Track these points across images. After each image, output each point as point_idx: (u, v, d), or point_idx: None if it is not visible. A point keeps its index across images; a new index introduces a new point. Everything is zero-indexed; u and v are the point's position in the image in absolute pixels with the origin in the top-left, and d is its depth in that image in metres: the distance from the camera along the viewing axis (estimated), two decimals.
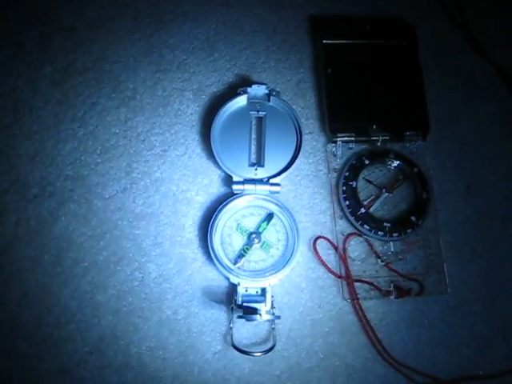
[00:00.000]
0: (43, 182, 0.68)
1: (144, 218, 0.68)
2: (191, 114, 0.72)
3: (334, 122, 0.70)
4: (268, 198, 0.67)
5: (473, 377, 0.66)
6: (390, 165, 0.70)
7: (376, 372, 0.65)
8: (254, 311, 0.61)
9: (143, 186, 0.69)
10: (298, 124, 0.69)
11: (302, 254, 0.68)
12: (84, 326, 0.65)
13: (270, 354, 0.63)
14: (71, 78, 0.72)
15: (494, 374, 0.66)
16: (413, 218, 0.68)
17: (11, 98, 0.71)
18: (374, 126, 0.71)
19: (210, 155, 0.69)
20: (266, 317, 0.61)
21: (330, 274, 0.67)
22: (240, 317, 0.61)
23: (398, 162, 0.70)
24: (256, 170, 0.68)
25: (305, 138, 0.70)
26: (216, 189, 0.69)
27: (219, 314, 0.66)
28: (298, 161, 0.68)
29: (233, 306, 0.64)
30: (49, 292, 0.65)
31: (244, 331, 0.65)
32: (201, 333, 0.65)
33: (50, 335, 0.64)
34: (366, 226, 0.67)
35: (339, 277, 0.67)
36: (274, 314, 0.63)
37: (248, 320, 0.62)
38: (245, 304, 0.63)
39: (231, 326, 0.64)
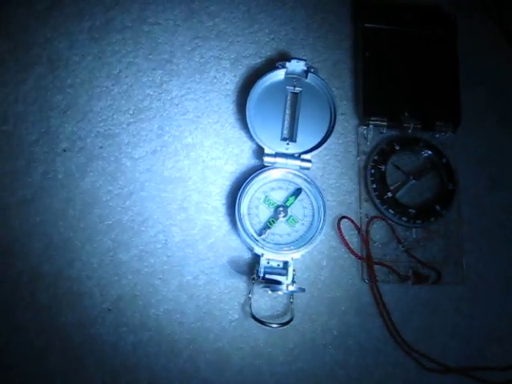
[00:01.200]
0: (73, 136, 0.68)
1: (172, 182, 0.68)
2: (227, 83, 0.72)
3: (368, 105, 0.71)
4: (298, 174, 0.67)
5: (482, 367, 0.67)
6: (420, 153, 0.71)
7: (387, 354, 0.66)
8: (277, 283, 0.62)
9: (173, 149, 0.69)
10: (334, 103, 0.69)
11: (326, 232, 0.68)
12: (104, 282, 0.65)
13: (285, 327, 0.64)
14: (109, 35, 0.71)
15: (503, 367, 0.67)
16: (437, 207, 0.69)
17: (47, 49, 0.70)
18: (406, 113, 0.71)
19: (243, 126, 0.69)
20: (290, 288, 0.62)
21: (351, 255, 0.68)
22: (265, 286, 0.62)
23: (427, 151, 0.71)
24: (288, 144, 0.68)
25: (337, 118, 0.70)
26: (246, 160, 0.70)
27: (239, 283, 0.66)
28: (329, 140, 0.69)
29: (254, 276, 0.64)
30: (71, 246, 0.65)
31: (262, 303, 0.66)
32: (219, 300, 0.65)
33: (70, 289, 0.64)
34: (390, 210, 0.68)
35: (360, 258, 0.68)
36: (298, 286, 0.63)
37: (273, 290, 0.62)
38: (267, 276, 0.63)
39: (250, 296, 0.64)
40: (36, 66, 0.70)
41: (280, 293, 0.63)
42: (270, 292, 0.64)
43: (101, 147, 0.68)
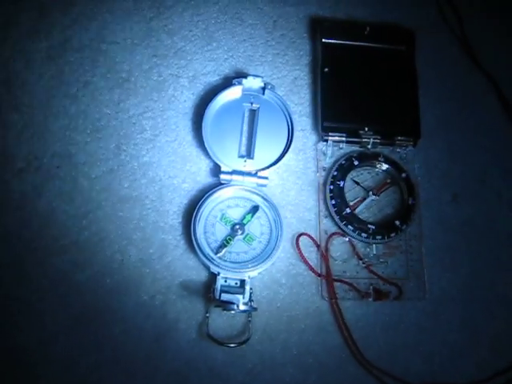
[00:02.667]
0: (30, 156, 0.68)
1: (128, 201, 0.68)
2: (185, 101, 0.72)
3: (326, 121, 0.71)
4: (255, 191, 0.67)
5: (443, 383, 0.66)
6: (379, 168, 0.71)
7: (348, 372, 0.65)
8: (231, 304, 0.61)
9: (130, 168, 0.69)
10: (291, 120, 0.69)
11: (284, 249, 0.67)
12: (60, 303, 0.64)
13: (244, 346, 0.63)
14: (67, 54, 0.71)
15: (465, 383, 0.66)
16: (397, 223, 0.68)
17: (4, 69, 0.70)
18: (366, 129, 0.71)
19: (200, 144, 0.69)
20: (242, 307, 0.61)
21: (311, 272, 0.67)
22: (217, 306, 0.61)
23: (386, 166, 0.70)
24: (245, 161, 0.68)
25: (296, 134, 0.70)
26: (203, 178, 0.69)
27: (196, 302, 0.65)
28: (287, 156, 0.69)
29: (210, 295, 0.63)
30: (26, 267, 0.64)
31: (220, 322, 0.65)
32: (177, 320, 0.65)
33: (25, 310, 0.63)
34: (350, 226, 0.68)
35: (319, 275, 0.67)
36: (251, 305, 0.62)
37: (225, 310, 0.61)
38: (222, 298, 0.62)
39: (207, 315, 0.64)
40: None
41: (233, 312, 0.62)
42: (224, 311, 0.63)
43: (57, 167, 0.68)
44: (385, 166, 0.70)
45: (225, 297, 0.62)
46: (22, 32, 0.72)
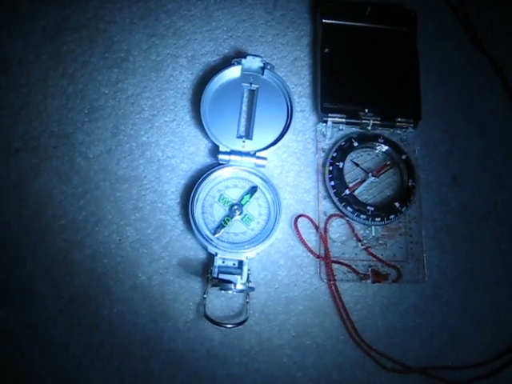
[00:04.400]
0: (27, 136, 0.67)
1: (126, 181, 0.67)
2: (183, 81, 0.71)
3: (326, 101, 0.70)
4: (253, 171, 0.66)
5: (442, 367, 0.66)
6: (379, 149, 0.70)
7: (346, 354, 0.65)
8: (229, 283, 0.61)
9: (128, 148, 0.68)
10: (290, 100, 0.69)
11: (283, 230, 0.67)
12: (56, 283, 0.64)
13: (241, 327, 0.63)
14: (64, 34, 0.71)
15: (464, 366, 0.66)
16: (396, 205, 0.68)
17: (0, 49, 0.69)
18: (366, 110, 0.70)
19: (199, 124, 0.68)
20: (240, 287, 0.60)
21: (309, 253, 0.67)
22: (214, 285, 0.61)
23: (386, 148, 0.70)
24: (244, 142, 0.67)
25: (296, 115, 0.69)
26: (202, 158, 0.69)
27: (194, 283, 0.65)
28: (286, 137, 0.68)
29: (208, 276, 0.63)
30: (23, 247, 0.64)
31: (218, 303, 0.65)
32: (174, 301, 0.64)
33: (21, 290, 0.63)
34: (349, 207, 0.67)
35: (318, 257, 0.67)
36: (248, 285, 0.62)
37: (222, 289, 0.61)
38: (220, 276, 0.62)
39: (205, 296, 0.63)
40: None
41: (230, 292, 0.61)
42: (222, 292, 0.63)
43: (55, 147, 0.67)
44: (385, 148, 0.70)
45: (223, 278, 0.61)
46: (20, 12, 0.71)
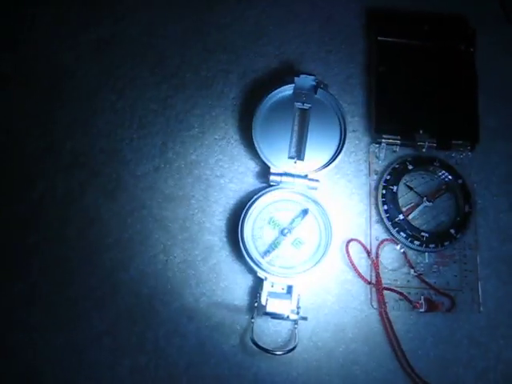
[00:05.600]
0: (75, 151, 0.67)
1: (174, 200, 0.66)
2: (233, 97, 0.70)
3: (380, 122, 0.68)
4: (305, 194, 0.64)
5: None
6: (434, 173, 0.68)
7: None
8: (279, 317, 0.59)
9: (176, 167, 0.67)
10: (344, 120, 0.67)
11: (334, 255, 0.65)
12: (102, 303, 0.63)
13: (289, 354, 0.61)
14: (115, 48, 0.70)
15: None
16: (452, 231, 0.65)
17: (52, 63, 0.69)
18: (421, 131, 0.68)
19: (249, 143, 0.67)
20: (292, 316, 0.59)
21: (360, 279, 0.65)
22: (265, 314, 0.59)
23: (442, 171, 0.67)
24: (295, 163, 0.66)
25: (348, 135, 0.67)
26: (251, 178, 0.67)
27: (242, 307, 0.63)
28: (339, 158, 0.66)
29: (256, 301, 0.61)
30: (69, 265, 0.64)
31: (265, 328, 0.63)
32: (221, 324, 0.63)
33: (67, 310, 0.62)
34: (402, 233, 0.65)
35: (369, 283, 0.64)
36: (299, 313, 0.60)
37: (274, 318, 0.59)
38: (268, 310, 0.60)
39: (253, 320, 0.62)
40: (40, 80, 0.68)
41: (279, 321, 0.60)
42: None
43: (103, 163, 0.66)
44: (440, 171, 0.67)
45: (271, 307, 0.59)
46: (72, 25, 0.70)
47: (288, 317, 0.58)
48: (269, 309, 0.59)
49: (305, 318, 0.60)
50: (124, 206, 0.65)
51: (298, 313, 0.60)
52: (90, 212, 0.65)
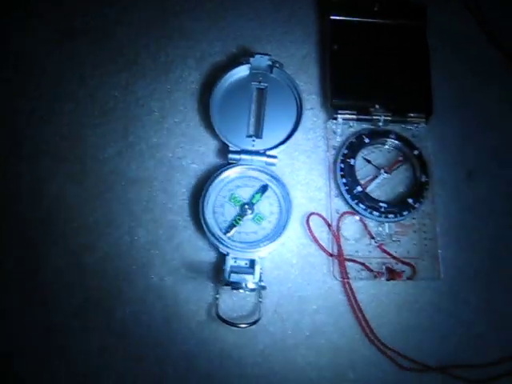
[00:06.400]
0: (38, 139, 0.68)
1: (137, 183, 0.67)
2: (192, 82, 0.71)
3: (335, 98, 0.69)
4: (263, 170, 0.66)
5: (462, 365, 0.64)
6: (391, 145, 0.69)
7: (361, 353, 0.64)
8: (240, 285, 0.61)
9: (139, 150, 0.68)
10: (300, 98, 0.68)
11: (295, 229, 0.67)
12: (70, 286, 0.64)
13: (254, 327, 0.62)
14: (75, 38, 0.71)
15: (483, 364, 0.64)
16: (410, 201, 0.67)
17: (12, 54, 0.70)
18: (377, 106, 0.69)
19: (208, 124, 0.68)
20: (251, 285, 0.60)
21: (322, 252, 0.66)
22: (226, 284, 0.60)
23: (398, 143, 0.69)
24: (253, 141, 0.67)
25: (305, 113, 0.69)
26: (212, 158, 0.69)
27: (206, 283, 0.64)
28: (296, 135, 0.67)
29: (220, 276, 0.63)
30: (37, 250, 0.65)
31: (230, 303, 0.64)
32: (186, 301, 0.64)
33: (36, 294, 0.63)
34: (361, 205, 0.66)
35: (331, 255, 0.66)
36: (260, 284, 0.61)
37: (234, 288, 0.61)
38: (232, 279, 0.61)
39: (217, 296, 0.63)
40: (2, 70, 0.70)
41: (242, 291, 0.61)
42: (234, 291, 0.62)
43: (66, 150, 0.68)
44: (396, 144, 0.69)
45: (234, 278, 0.61)
46: (32, 17, 0.72)
47: (246, 285, 0.60)
48: (230, 282, 0.60)
49: (263, 287, 0.61)
50: (89, 191, 0.67)
51: (261, 286, 0.61)
52: (56, 197, 0.66)
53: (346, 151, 0.68)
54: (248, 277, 0.62)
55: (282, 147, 0.67)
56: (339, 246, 0.66)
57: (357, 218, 0.67)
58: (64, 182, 0.67)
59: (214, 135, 0.68)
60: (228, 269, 0.62)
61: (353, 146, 0.68)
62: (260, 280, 0.62)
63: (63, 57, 0.71)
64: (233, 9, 0.74)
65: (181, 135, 0.69)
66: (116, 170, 0.67)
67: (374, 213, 0.66)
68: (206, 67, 0.72)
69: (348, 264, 0.66)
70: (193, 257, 0.65)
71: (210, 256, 0.65)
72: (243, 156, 0.66)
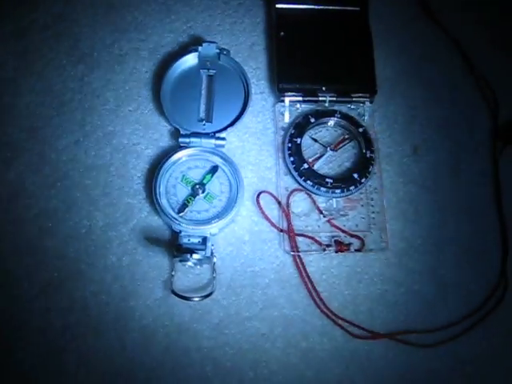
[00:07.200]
0: None
1: (94, 169, 0.70)
2: (146, 72, 0.74)
3: (282, 82, 0.72)
4: (214, 152, 0.69)
5: (409, 331, 0.67)
6: (336, 124, 0.72)
7: (313, 324, 0.67)
8: (189, 251, 0.63)
9: (95, 138, 0.71)
10: (247, 82, 0.71)
11: (247, 208, 0.69)
12: (31, 269, 0.66)
13: (209, 302, 0.65)
14: (31, 35, 0.75)
15: (430, 329, 0.67)
16: (355, 176, 0.69)
17: None
18: (323, 88, 0.72)
19: (162, 111, 0.71)
20: (196, 256, 0.63)
21: (273, 228, 0.69)
22: (175, 256, 0.63)
23: (343, 122, 0.72)
24: (204, 125, 0.70)
25: (255, 97, 0.72)
26: (165, 143, 0.72)
27: (162, 261, 0.67)
28: (247, 118, 0.71)
29: (174, 253, 0.65)
30: None
31: (185, 280, 0.67)
32: (143, 279, 0.67)
33: None
34: (308, 181, 0.69)
35: (281, 230, 0.69)
36: (205, 255, 0.64)
37: (181, 261, 0.64)
38: (177, 254, 0.64)
39: (173, 273, 0.66)
40: None
41: (189, 263, 0.64)
42: (186, 266, 0.65)
43: (25, 141, 0.71)
44: (342, 122, 0.72)
45: (182, 250, 0.64)
46: None
47: (192, 255, 0.62)
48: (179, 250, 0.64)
49: (208, 257, 0.64)
50: (48, 178, 0.70)
51: (206, 257, 0.64)
52: (16, 185, 0.69)
53: (293, 131, 0.71)
54: (199, 252, 0.64)
55: (230, 129, 0.70)
56: (289, 222, 0.69)
57: (306, 194, 0.70)
58: (23, 170, 0.69)
59: (166, 121, 0.71)
60: (179, 244, 0.65)
61: (299, 126, 0.71)
62: (212, 255, 0.65)
63: (21, 53, 0.74)
64: (183, 1, 0.77)
65: (135, 123, 0.72)
66: (74, 158, 0.70)
67: (322, 188, 0.69)
68: (158, 57, 0.75)
69: (298, 239, 0.68)
70: (148, 237, 0.68)
71: (165, 235, 0.68)
72: (193, 139, 0.69)
